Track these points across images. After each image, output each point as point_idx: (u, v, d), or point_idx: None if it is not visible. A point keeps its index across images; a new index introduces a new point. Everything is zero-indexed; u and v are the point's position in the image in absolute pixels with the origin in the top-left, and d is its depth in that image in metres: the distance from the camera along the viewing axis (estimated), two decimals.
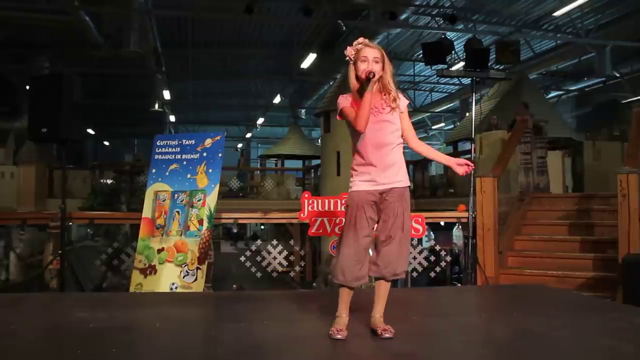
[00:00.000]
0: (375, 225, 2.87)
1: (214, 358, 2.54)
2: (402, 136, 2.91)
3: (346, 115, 2.86)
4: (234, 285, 10.19)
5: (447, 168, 13.34)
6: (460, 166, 2.94)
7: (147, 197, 5.67)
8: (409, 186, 2.91)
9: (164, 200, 5.58)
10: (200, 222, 5.40)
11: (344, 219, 2.92)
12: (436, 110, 26.18)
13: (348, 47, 2.89)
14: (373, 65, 2.81)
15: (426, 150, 3.02)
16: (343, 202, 5.27)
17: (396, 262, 2.83)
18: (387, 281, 2.88)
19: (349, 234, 2.82)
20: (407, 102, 2.96)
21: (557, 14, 14.56)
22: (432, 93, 25.00)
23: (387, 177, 2.83)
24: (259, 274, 6.43)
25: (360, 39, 2.91)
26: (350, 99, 2.88)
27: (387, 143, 2.84)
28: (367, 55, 2.82)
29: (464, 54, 9.58)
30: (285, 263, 6.44)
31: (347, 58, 2.88)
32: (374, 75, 2.77)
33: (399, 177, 2.86)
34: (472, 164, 2.85)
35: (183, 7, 14.53)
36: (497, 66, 10.72)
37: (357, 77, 2.84)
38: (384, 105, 2.86)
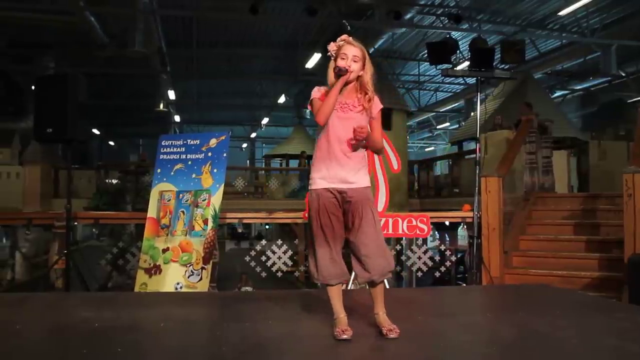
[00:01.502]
0: (341, 221, 2.84)
1: (218, 357, 2.55)
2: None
3: (313, 106, 2.86)
4: (240, 285, 10.18)
5: (452, 168, 13.31)
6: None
7: (152, 196, 5.68)
8: (369, 186, 2.87)
9: (168, 200, 5.59)
10: (205, 221, 5.41)
11: (309, 220, 2.91)
12: (441, 110, 26.17)
13: (331, 43, 2.88)
14: (351, 64, 2.80)
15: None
16: None
17: (378, 263, 2.76)
18: (378, 283, 2.83)
19: (318, 234, 2.81)
20: (379, 107, 2.89)
21: (562, 13, 14.55)
22: (437, 93, 24.98)
23: (344, 176, 2.80)
24: (263, 274, 6.44)
25: (344, 36, 2.89)
26: (323, 92, 2.86)
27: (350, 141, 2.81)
28: (347, 53, 2.81)
29: (469, 53, 9.55)
30: (290, 263, 6.44)
31: (329, 53, 2.87)
32: (345, 72, 2.76)
33: (356, 179, 2.82)
34: (359, 135, 2.72)
35: (188, 7, 14.57)
36: (502, 66, 10.71)
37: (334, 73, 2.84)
38: (357, 104, 2.83)
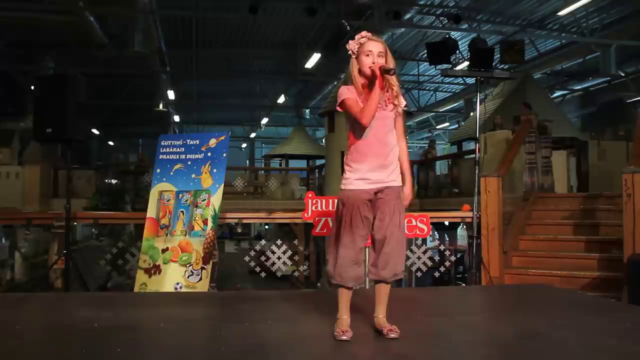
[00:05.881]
0: (371, 223, 2.81)
1: (218, 358, 2.55)
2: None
3: (349, 108, 2.77)
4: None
5: (451, 168, 13.27)
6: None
7: (151, 197, 5.68)
8: (402, 186, 2.86)
9: (168, 200, 5.58)
10: (205, 222, 5.41)
11: (336, 219, 2.86)
12: (440, 110, 26.17)
13: (350, 41, 2.84)
14: (378, 60, 2.75)
15: (402, 159, 2.90)
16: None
17: (395, 262, 2.78)
18: (388, 283, 2.83)
19: (345, 234, 2.76)
20: (404, 102, 2.87)
21: (561, 13, 14.55)
22: (437, 93, 25.00)
23: (383, 175, 2.78)
24: (263, 274, 6.43)
25: (364, 32, 2.84)
26: (354, 91, 2.80)
27: (389, 140, 2.81)
28: (372, 49, 2.77)
29: (469, 53, 9.55)
30: (289, 263, 6.43)
31: (350, 52, 2.84)
32: (394, 72, 2.72)
33: (393, 177, 2.81)
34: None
35: (187, 7, 14.59)
36: (502, 66, 10.71)
37: (360, 71, 2.79)
38: (387, 102, 2.81)
